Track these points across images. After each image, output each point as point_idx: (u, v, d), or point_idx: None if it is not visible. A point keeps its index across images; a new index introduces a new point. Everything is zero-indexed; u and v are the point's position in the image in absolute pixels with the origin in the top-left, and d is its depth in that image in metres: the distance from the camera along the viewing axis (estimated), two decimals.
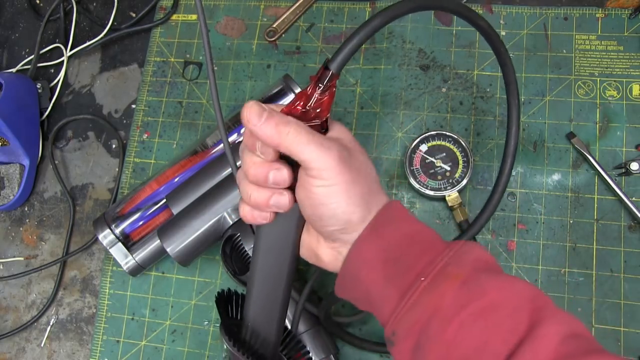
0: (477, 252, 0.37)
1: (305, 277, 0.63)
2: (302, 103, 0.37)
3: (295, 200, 0.39)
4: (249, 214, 0.40)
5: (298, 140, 0.35)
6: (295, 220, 0.41)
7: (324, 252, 0.40)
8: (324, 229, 0.38)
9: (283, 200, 0.38)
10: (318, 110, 0.37)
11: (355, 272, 0.38)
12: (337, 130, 0.39)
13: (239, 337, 0.44)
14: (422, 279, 0.35)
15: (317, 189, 0.36)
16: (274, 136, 0.35)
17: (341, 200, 0.37)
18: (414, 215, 0.40)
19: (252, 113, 0.36)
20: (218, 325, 0.63)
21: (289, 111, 0.37)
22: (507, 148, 0.47)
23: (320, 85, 0.37)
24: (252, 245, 0.53)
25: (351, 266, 0.38)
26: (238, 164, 0.50)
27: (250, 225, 0.54)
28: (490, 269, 0.37)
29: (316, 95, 0.37)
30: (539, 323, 0.32)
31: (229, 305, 0.48)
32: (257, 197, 0.38)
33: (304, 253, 0.42)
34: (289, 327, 0.54)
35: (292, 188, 0.39)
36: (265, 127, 0.35)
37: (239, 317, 0.48)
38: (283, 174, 0.38)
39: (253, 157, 0.38)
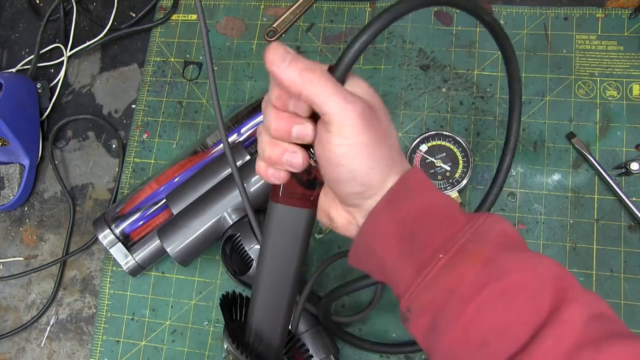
0: (499, 226, 0.35)
1: (305, 277, 0.63)
2: None
3: (308, 161, 0.37)
4: (264, 171, 0.38)
5: (322, 90, 0.33)
6: (303, 226, 0.40)
7: (338, 215, 0.39)
8: (340, 192, 0.36)
9: (297, 158, 0.36)
10: None
11: (370, 243, 0.36)
12: (361, 87, 0.36)
13: (243, 340, 0.44)
14: (440, 255, 0.33)
15: (336, 147, 0.34)
16: (297, 82, 0.33)
17: (361, 162, 0.34)
18: (434, 185, 0.37)
19: (276, 54, 0.33)
20: (218, 325, 0.63)
21: None
22: (507, 147, 0.46)
23: None
24: (252, 245, 0.54)
25: (365, 237, 0.36)
26: (238, 164, 0.50)
27: (251, 227, 0.54)
28: (514, 245, 0.35)
29: None
30: (562, 305, 0.31)
31: (233, 308, 0.48)
32: (272, 154, 0.36)
33: (317, 213, 0.40)
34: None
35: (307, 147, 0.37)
36: (289, 70, 0.33)
37: (242, 320, 0.48)
38: (307, 128, 0.35)
39: (277, 110, 0.36)
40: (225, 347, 0.62)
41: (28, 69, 0.76)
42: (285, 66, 0.33)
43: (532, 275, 0.32)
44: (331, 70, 0.36)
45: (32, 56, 0.76)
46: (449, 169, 0.62)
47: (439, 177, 0.62)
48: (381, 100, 0.37)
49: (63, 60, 0.77)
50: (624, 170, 0.60)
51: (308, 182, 0.38)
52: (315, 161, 0.37)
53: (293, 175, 0.38)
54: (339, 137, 0.34)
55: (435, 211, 0.35)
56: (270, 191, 0.40)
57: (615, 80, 0.64)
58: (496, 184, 0.46)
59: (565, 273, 0.33)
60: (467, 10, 0.42)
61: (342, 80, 0.35)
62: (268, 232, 0.41)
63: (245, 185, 0.54)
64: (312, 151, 0.37)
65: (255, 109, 0.63)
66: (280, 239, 0.40)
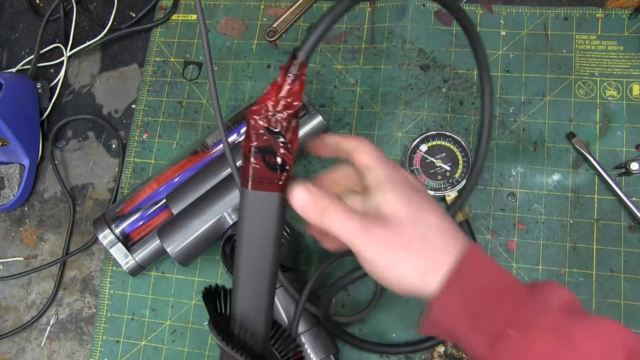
0: (559, 293, 0.37)
1: (305, 277, 0.63)
2: (274, 93, 0.38)
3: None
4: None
5: (338, 229, 0.38)
6: (275, 210, 0.40)
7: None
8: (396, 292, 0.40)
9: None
10: (290, 100, 0.38)
11: (439, 321, 0.38)
12: (389, 198, 0.39)
13: (228, 331, 0.44)
14: (512, 332, 0.35)
15: (367, 268, 0.38)
16: (317, 222, 0.39)
17: (392, 277, 0.38)
18: (492, 259, 0.39)
19: (300, 200, 0.39)
20: None
21: (264, 98, 0.38)
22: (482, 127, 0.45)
23: (290, 74, 0.38)
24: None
25: (434, 317, 0.38)
26: (238, 164, 0.50)
27: None
28: (576, 310, 0.37)
29: (287, 84, 0.38)
30: None
31: (216, 301, 0.49)
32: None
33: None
34: (287, 325, 0.54)
35: None
36: (309, 212, 0.38)
37: (227, 313, 0.49)
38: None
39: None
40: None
41: (28, 69, 0.76)
42: (307, 207, 0.38)
43: (601, 340, 0.34)
44: (295, 52, 0.37)
45: (32, 56, 0.76)
46: (449, 169, 0.62)
47: (439, 177, 0.62)
48: (414, 195, 0.39)
49: (63, 60, 0.77)
50: (624, 170, 0.60)
51: (277, 166, 0.39)
52: (285, 145, 0.38)
53: (262, 160, 0.39)
54: (364, 263, 0.38)
55: (499, 286, 0.38)
56: (240, 179, 0.40)
57: (615, 80, 0.64)
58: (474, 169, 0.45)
59: (629, 334, 0.35)
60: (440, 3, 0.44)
61: (306, 61, 0.38)
62: (242, 220, 0.41)
63: None
64: (283, 138, 0.38)
65: None
66: (254, 225, 0.41)
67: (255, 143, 0.38)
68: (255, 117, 0.38)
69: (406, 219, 0.38)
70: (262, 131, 0.38)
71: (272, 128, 0.38)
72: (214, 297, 0.48)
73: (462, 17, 0.44)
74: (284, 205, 0.40)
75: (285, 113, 0.38)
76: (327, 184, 0.44)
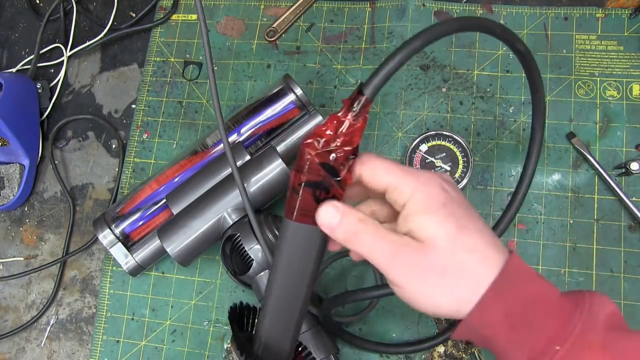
0: (604, 305, 0.36)
1: None
2: (334, 127, 0.36)
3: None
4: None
5: (367, 252, 0.36)
6: (317, 244, 0.39)
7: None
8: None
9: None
10: (350, 137, 0.36)
11: (478, 330, 0.36)
12: (424, 223, 0.36)
13: (252, 352, 0.43)
14: (557, 347, 0.33)
15: (396, 292, 0.37)
16: (346, 243, 0.37)
17: (426, 304, 0.36)
18: (534, 270, 0.38)
19: (326, 216, 0.37)
20: (218, 325, 0.63)
21: (321, 132, 0.36)
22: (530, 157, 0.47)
23: (353, 110, 0.36)
24: (252, 246, 0.54)
25: (473, 325, 0.36)
26: (238, 164, 0.50)
27: (251, 227, 0.54)
28: (620, 325, 0.36)
29: (349, 120, 0.36)
30: None
31: (240, 319, 0.49)
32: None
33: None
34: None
35: None
36: (337, 232, 0.37)
37: (250, 330, 0.49)
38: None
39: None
40: (225, 347, 0.62)
41: (28, 69, 0.76)
42: (335, 227, 0.37)
43: None
44: (361, 88, 0.36)
45: (32, 56, 0.76)
46: (449, 169, 0.62)
47: None
48: (455, 228, 0.36)
49: (63, 60, 0.77)
50: (624, 170, 0.60)
51: (324, 200, 0.37)
52: (339, 182, 0.36)
53: (312, 195, 0.37)
54: (393, 286, 0.37)
55: (542, 298, 0.36)
56: (285, 209, 0.39)
57: (615, 80, 0.64)
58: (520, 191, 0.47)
59: None
60: (502, 39, 0.42)
61: (372, 99, 0.36)
62: (281, 249, 0.40)
63: (245, 185, 0.54)
64: (338, 176, 0.36)
65: (255, 109, 0.63)
66: (294, 256, 0.40)
67: (307, 177, 0.36)
68: (311, 151, 0.36)
69: (443, 244, 0.35)
70: (316, 166, 0.36)
71: (328, 164, 0.36)
72: (238, 315, 0.48)
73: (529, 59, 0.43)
74: (326, 239, 0.39)
75: (343, 151, 0.36)
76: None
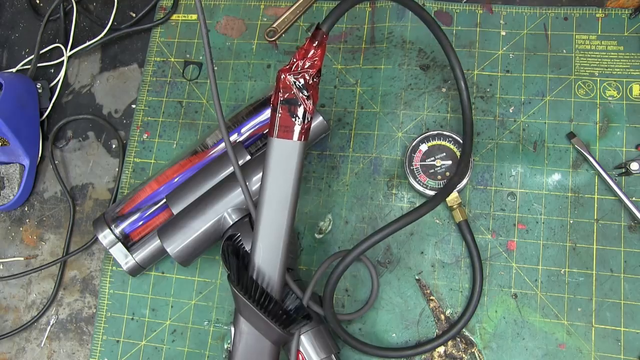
0: None
1: (305, 277, 0.63)
2: (301, 56, 0.47)
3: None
4: None
5: None
6: (297, 157, 0.48)
7: None
8: None
9: None
10: (315, 60, 0.47)
11: None
12: None
13: (246, 277, 0.49)
14: None
15: None
16: None
17: None
18: None
19: None
20: (218, 325, 0.63)
21: (292, 62, 0.47)
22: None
23: (315, 41, 0.48)
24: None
25: None
26: (240, 162, 0.52)
27: (250, 222, 0.55)
28: None
29: (312, 49, 0.48)
30: None
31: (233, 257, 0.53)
32: None
33: None
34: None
35: None
36: None
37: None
38: None
39: None
40: (225, 347, 0.63)
41: (28, 69, 0.76)
42: None
43: None
44: (320, 25, 0.48)
45: (32, 56, 0.76)
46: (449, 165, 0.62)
47: (439, 177, 0.62)
48: None
49: (63, 60, 0.77)
50: (624, 170, 0.60)
51: (301, 117, 0.47)
52: (308, 97, 0.47)
53: (288, 110, 0.47)
54: None
55: None
56: (269, 130, 0.48)
57: (615, 80, 0.64)
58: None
59: None
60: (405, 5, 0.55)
61: (327, 32, 0.47)
62: (268, 165, 0.48)
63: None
64: (306, 92, 0.47)
65: (255, 109, 0.63)
66: (278, 169, 0.48)
67: (283, 96, 0.47)
68: (285, 74, 0.47)
69: None
70: (289, 84, 0.47)
71: (298, 83, 0.47)
72: (233, 251, 0.53)
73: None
74: (305, 154, 0.48)
75: (310, 71, 0.47)
76: None
